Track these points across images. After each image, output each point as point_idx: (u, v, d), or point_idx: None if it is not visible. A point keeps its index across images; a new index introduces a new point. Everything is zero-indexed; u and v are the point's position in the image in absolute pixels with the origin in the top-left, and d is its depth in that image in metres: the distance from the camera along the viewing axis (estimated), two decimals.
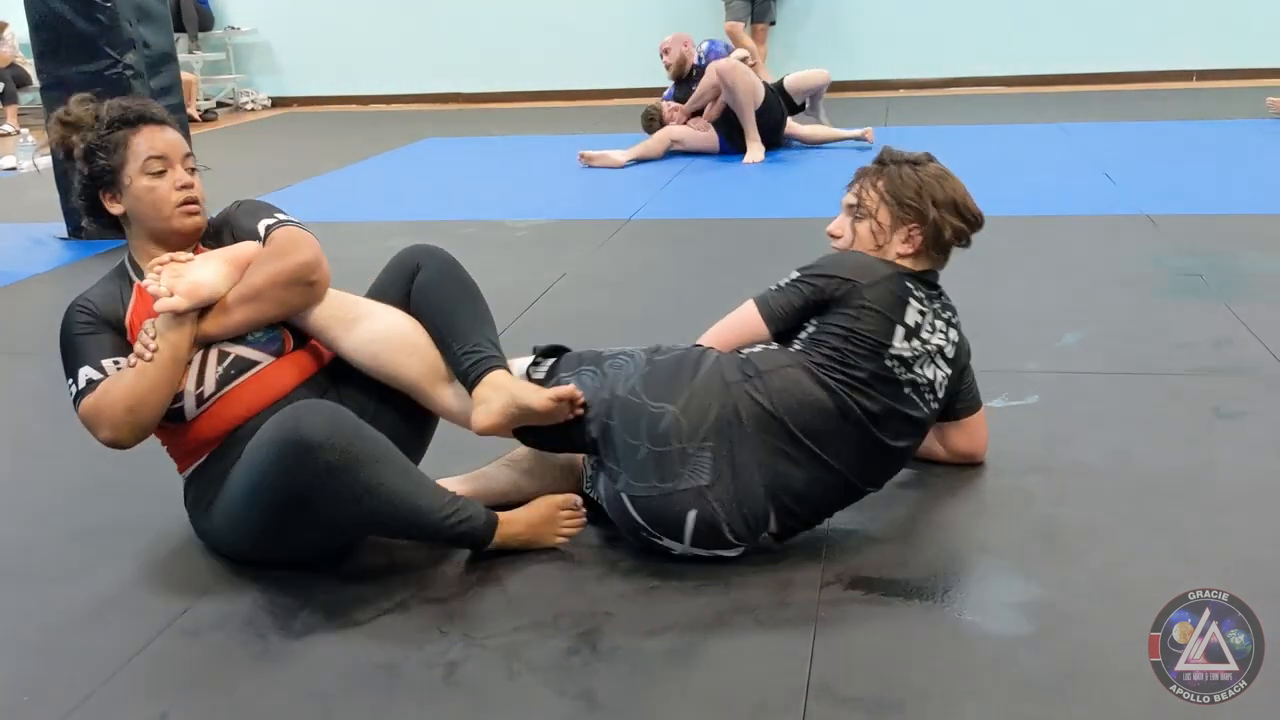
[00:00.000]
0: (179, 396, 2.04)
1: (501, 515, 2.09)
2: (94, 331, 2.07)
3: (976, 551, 2.10)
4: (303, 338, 2.18)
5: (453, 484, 2.24)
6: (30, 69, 8.35)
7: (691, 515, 2.00)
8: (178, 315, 2.00)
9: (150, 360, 1.98)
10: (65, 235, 5.09)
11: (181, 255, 2.07)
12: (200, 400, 2.06)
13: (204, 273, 2.03)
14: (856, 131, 6.61)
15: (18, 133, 8.42)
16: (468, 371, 2.13)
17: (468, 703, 1.72)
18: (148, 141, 2.10)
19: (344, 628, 1.92)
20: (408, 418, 2.23)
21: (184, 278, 2.01)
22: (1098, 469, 2.40)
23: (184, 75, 7.75)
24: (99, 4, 4.77)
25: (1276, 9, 9.03)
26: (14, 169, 7.45)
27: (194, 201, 2.13)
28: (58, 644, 1.93)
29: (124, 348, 2.07)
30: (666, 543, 2.05)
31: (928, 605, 1.92)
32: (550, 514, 2.13)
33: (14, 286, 4.41)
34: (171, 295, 1.98)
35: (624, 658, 1.81)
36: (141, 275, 2.11)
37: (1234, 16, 9.09)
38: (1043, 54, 9.40)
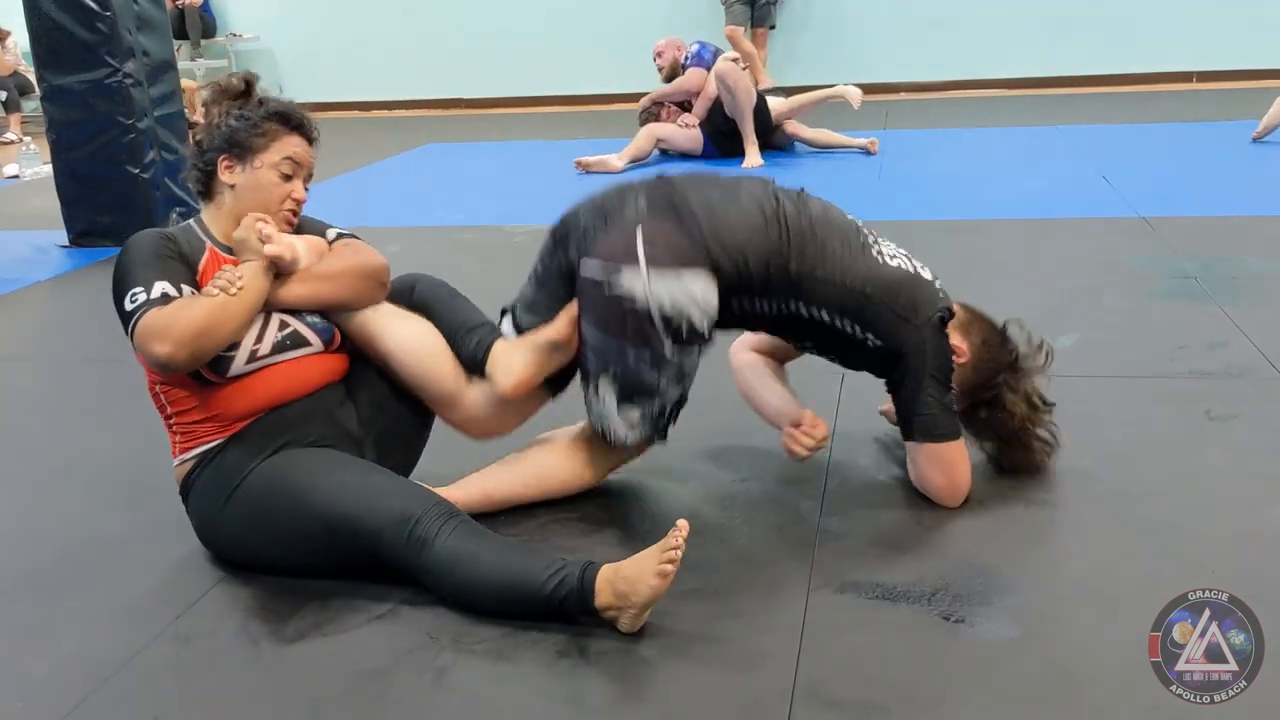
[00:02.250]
0: (233, 346, 2.06)
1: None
2: (175, 258, 2.11)
3: (965, 555, 2.11)
4: (343, 342, 2.26)
5: (447, 493, 2.25)
6: (34, 77, 8.39)
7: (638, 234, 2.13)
8: (264, 267, 2.09)
9: (234, 295, 2.03)
10: (66, 243, 5.12)
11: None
12: (252, 358, 2.09)
13: (296, 242, 2.17)
14: (862, 141, 6.62)
15: (20, 141, 8.45)
16: (474, 351, 2.23)
17: (458, 708, 1.74)
18: (293, 146, 2.22)
19: (335, 634, 1.93)
20: (406, 426, 2.31)
21: (283, 238, 2.14)
22: (1088, 472, 2.41)
23: (186, 82, 7.78)
24: (98, 13, 4.80)
25: (1276, 9, 9.02)
26: (16, 177, 7.48)
27: (297, 214, 2.25)
28: (51, 649, 1.95)
29: (196, 287, 2.11)
30: (626, 280, 2.10)
31: (915, 608, 1.93)
32: (652, 554, 1.86)
33: (15, 294, 4.43)
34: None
35: (613, 661, 1.82)
36: (216, 241, 2.19)
37: (1235, 18, 9.08)
38: (1042, 57, 9.40)
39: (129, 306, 2.02)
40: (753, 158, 6.39)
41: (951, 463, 2.25)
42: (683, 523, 1.85)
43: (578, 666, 1.81)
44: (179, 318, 1.98)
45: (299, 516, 2.02)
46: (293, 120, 2.24)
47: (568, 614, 1.89)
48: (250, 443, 2.09)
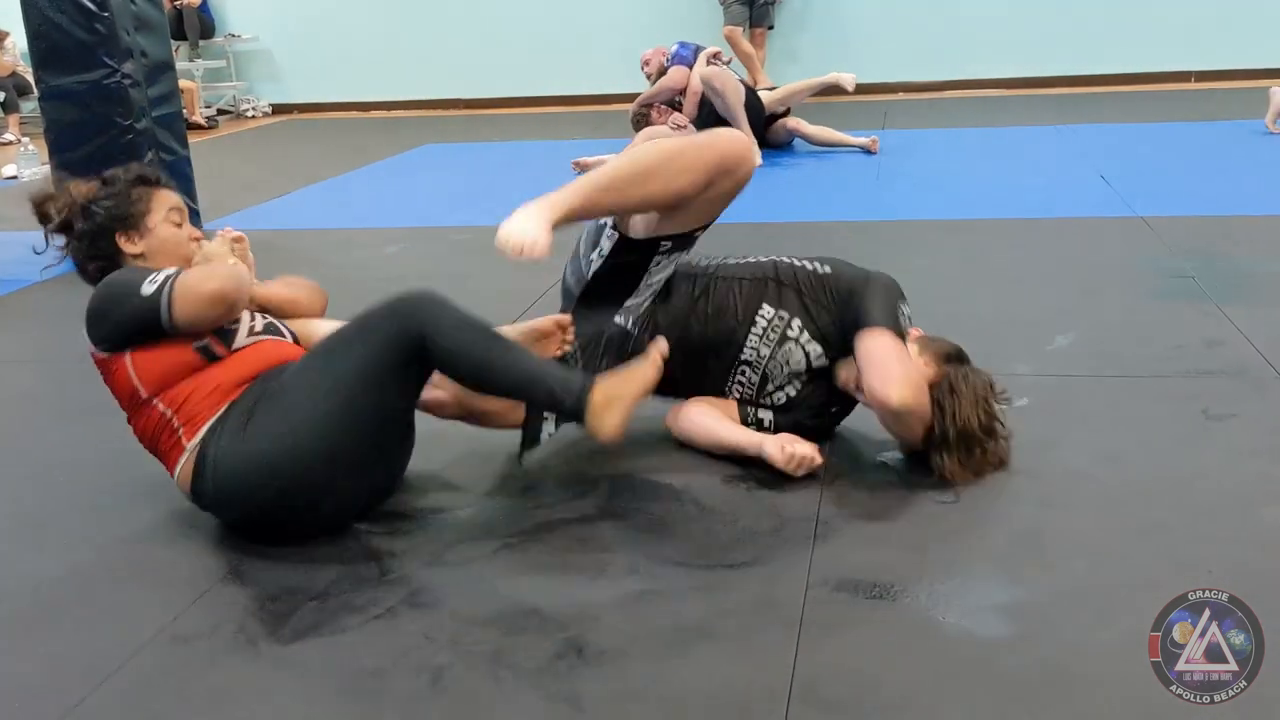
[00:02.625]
0: (236, 322, 2.29)
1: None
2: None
3: (961, 554, 2.11)
4: None
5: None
6: (32, 77, 8.40)
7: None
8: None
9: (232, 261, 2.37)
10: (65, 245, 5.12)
11: None
12: (250, 333, 2.31)
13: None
14: (863, 140, 6.61)
15: (19, 141, 8.44)
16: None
17: (454, 708, 1.74)
18: (168, 198, 2.43)
19: (333, 635, 1.93)
20: None
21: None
22: (1085, 472, 2.41)
23: (185, 83, 7.78)
24: (96, 13, 4.79)
25: (1276, 9, 9.03)
26: (15, 178, 7.48)
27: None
28: (48, 650, 1.95)
29: None
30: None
31: (912, 608, 1.93)
32: (634, 371, 2.17)
33: (13, 295, 4.43)
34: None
35: (609, 662, 1.82)
36: None
37: (1233, 17, 9.09)
38: (1040, 56, 9.40)
39: (149, 289, 2.18)
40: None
41: (905, 353, 2.33)
42: (661, 343, 2.18)
43: (575, 667, 1.81)
44: (210, 269, 2.28)
45: (332, 358, 2.18)
46: (151, 178, 2.45)
47: (562, 413, 2.21)
48: (253, 389, 2.23)
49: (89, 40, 4.82)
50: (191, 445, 2.20)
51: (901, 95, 9.45)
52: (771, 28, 9.40)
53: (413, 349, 2.13)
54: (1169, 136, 6.79)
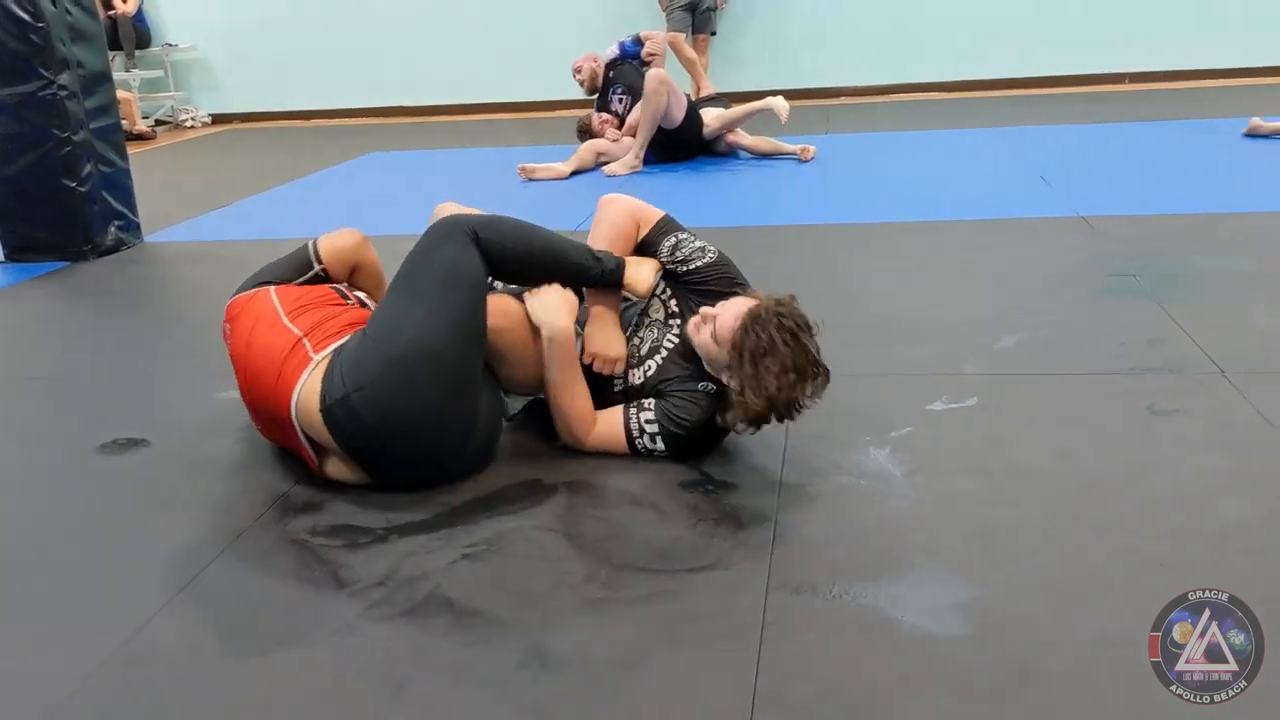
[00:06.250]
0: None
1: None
2: None
3: (917, 554, 2.13)
4: None
5: None
6: None
7: None
8: None
9: None
10: (2, 259, 5.03)
11: None
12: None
13: None
14: (795, 147, 6.64)
15: None
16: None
17: None
18: None
19: (293, 648, 1.91)
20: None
21: None
22: (1036, 469, 2.44)
23: (122, 94, 7.67)
24: (31, 24, 4.70)
25: (1207, 12, 9.22)
26: None
27: None
28: (1, 672, 1.91)
29: None
30: None
31: (871, 609, 1.95)
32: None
33: None
34: None
35: (573, 670, 1.82)
36: None
37: (1165, 19, 9.28)
38: (978, 59, 9.54)
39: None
40: (620, 167, 6.44)
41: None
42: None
43: (538, 676, 1.81)
44: None
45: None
46: None
47: (598, 276, 2.61)
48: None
49: (24, 51, 4.74)
50: (317, 358, 2.43)
51: (844, 100, 9.53)
52: (714, 34, 9.43)
53: (469, 240, 2.44)
54: (1105, 137, 6.91)
